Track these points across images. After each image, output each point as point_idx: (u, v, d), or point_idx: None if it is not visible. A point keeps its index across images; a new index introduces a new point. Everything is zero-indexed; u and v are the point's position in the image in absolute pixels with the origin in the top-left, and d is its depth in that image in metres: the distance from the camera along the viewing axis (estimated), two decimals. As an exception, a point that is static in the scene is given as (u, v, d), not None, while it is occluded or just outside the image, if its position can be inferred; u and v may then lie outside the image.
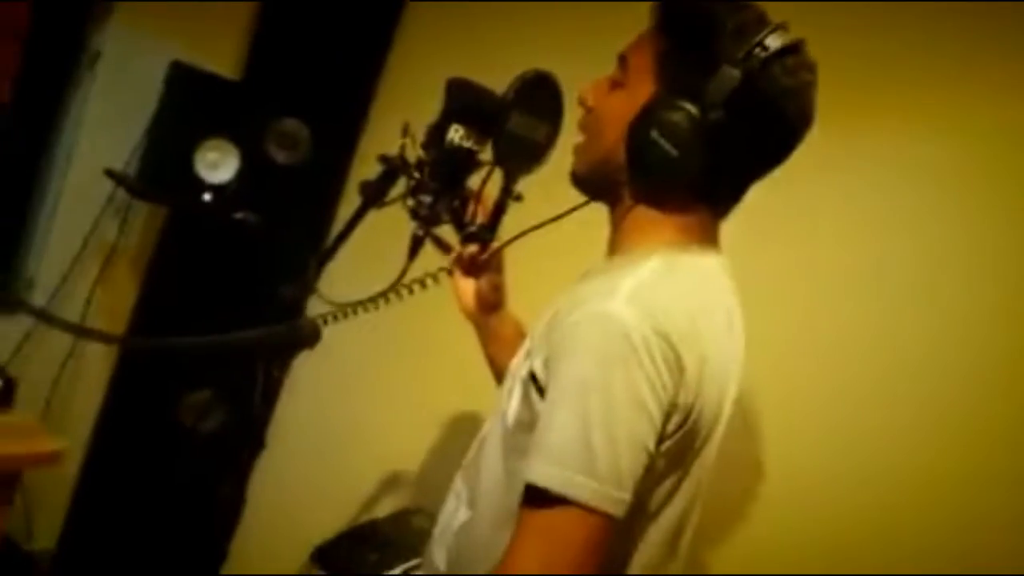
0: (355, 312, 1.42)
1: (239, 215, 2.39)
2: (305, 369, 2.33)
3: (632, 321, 0.97)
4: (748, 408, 1.34)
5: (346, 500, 2.51)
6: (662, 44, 1.12)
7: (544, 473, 0.97)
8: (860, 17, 1.80)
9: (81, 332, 2.41)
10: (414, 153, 1.40)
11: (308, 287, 1.46)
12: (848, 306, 1.80)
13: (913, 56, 1.77)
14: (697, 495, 1.17)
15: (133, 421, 2.55)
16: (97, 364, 2.59)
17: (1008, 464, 1.59)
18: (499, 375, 1.43)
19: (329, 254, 1.47)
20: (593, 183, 1.21)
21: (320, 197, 2.58)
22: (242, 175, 2.37)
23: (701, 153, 1.06)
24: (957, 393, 1.65)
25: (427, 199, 1.39)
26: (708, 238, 1.16)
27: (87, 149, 2.42)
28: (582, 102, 1.21)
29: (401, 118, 1.38)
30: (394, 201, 1.42)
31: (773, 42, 1.06)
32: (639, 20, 1.17)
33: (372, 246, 1.62)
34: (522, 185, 1.42)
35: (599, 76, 1.21)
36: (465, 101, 1.38)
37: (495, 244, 1.45)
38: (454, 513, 1.22)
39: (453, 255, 1.48)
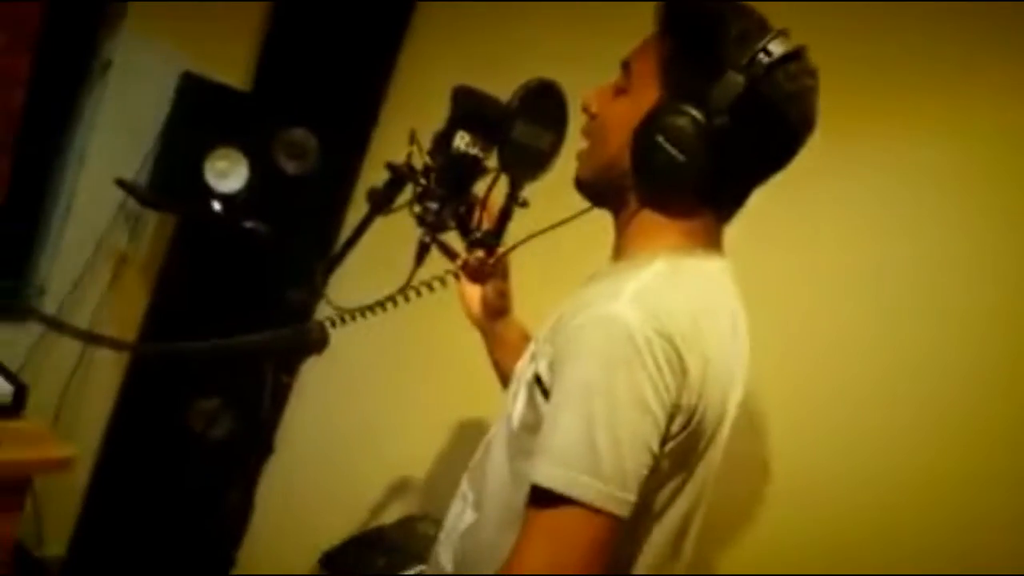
0: (363, 316, 1.43)
1: (248, 223, 2.42)
2: (313, 375, 2.36)
3: (636, 323, 0.98)
4: (749, 409, 1.35)
5: (353, 505, 2.51)
6: (667, 49, 1.14)
7: (549, 474, 0.98)
8: (859, 21, 1.81)
9: (91, 339, 2.43)
10: (421, 160, 1.41)
11: (316, 292, 1.48)
12: (849, 308, 1.81)
13: (912, 60, 1.77)
14: (702, 496, 1.18)
15: (143, 428, 2.56)
16: (107, 371, 2.60)
17: (1008, 464, 1.59)
18: (505, 380, 1.44)
19: (337, 260, 1.49)
20: (597, 189, 1.22)
21: (328, 205, 2.60)
22: (251, 184, 2.40)
23: (706, 158, 1.07)
24: (957, 393, 1.65)
25: (433, 206, 1.40)
26: (712, 242, 1.17)
27: (98, 158, 2.44)
28: (585, 109, 1.22)
29: (408, 126, 1.39)
30: (401, 208, 1.43)
31: (776, 48, 1.07)
32: (644, 26, 1.18)
33: (380, 252, 1.63)
34: (527, 192, 1.43)
35: (602, 82, 1.22)
36: (471, 109, 1.39)
37: (500, 250, 1.46)
38: (460, 515, 1.22)
39: (459, 261, 1.49)
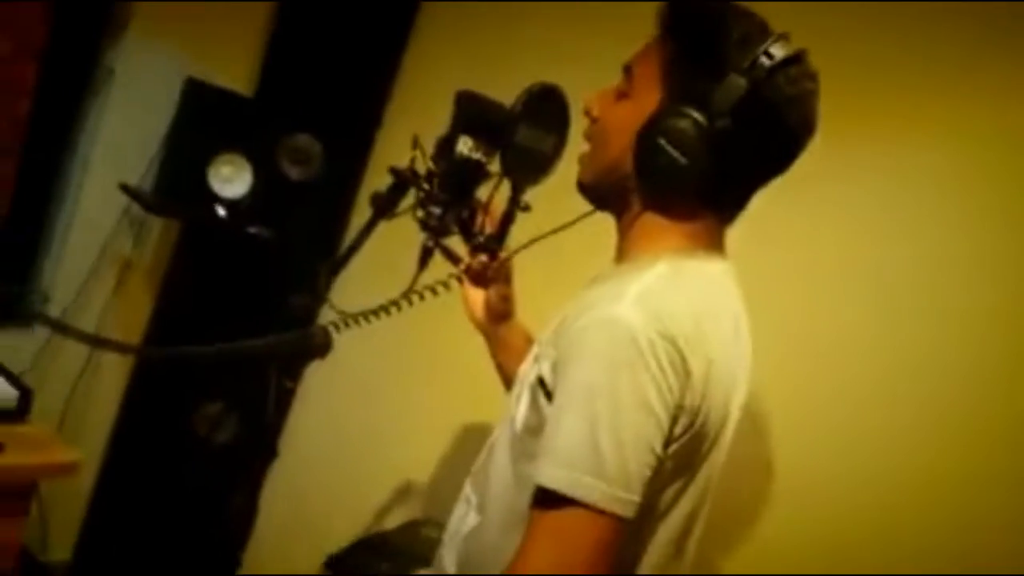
0: (367, 320, 1.44)
1: (252, 229, 2.42)
2: (317, 379, 2.36)
3: (638, 325, 0.99)
4: (749, 410, 1.35)
5: (358, 509, 2.52)
6: (668, 53, 1.14)
7: (553, 475, 0.98)
8: (857, 23, 1.81)
9: (96, 342, 2.44)
10: (424, 165, 1.42)
11: (319, 297, 1.48)
12: (849, 308, 1.81)
13: (912, 61, 1.78)
14: (705, 497, 1.18)
15: (147, 433, 2.57)
16: (112, 376, 2.61)
17: (1008, 464, 1.59)
18: (509, 383, 1.44)
19: (340, 264, 1.49)
20: (599, 191, 1.22)
21: (332, 210, 2.61)
22: (255, 189, 2.40)
23: (708, 160, 1.08)
24: (957, 393, 1.66)
25: (436, 210, 1.41)
26: (714, 244, 1.18)
27: (103, 164, 2.45)
28: (587, 112, 1.23)
29: (412, 130, 1.40)
30: (404, 212, 1.44)
31: (777, 51, 1.08)
32: (649, 27, 1.19)
33: (383, 257, 1.64)
34: (530, 196, 1.44)
35: (607, 83, 1.22)
36: (473, 114, 1.40)
37: (503, 254, 1.47)
38: (463, 518, 1.23)
39: (462, 265, 1.49)
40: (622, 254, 1.20)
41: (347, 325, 1.44)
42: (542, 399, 1.08)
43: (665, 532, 1.12)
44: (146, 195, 2.44)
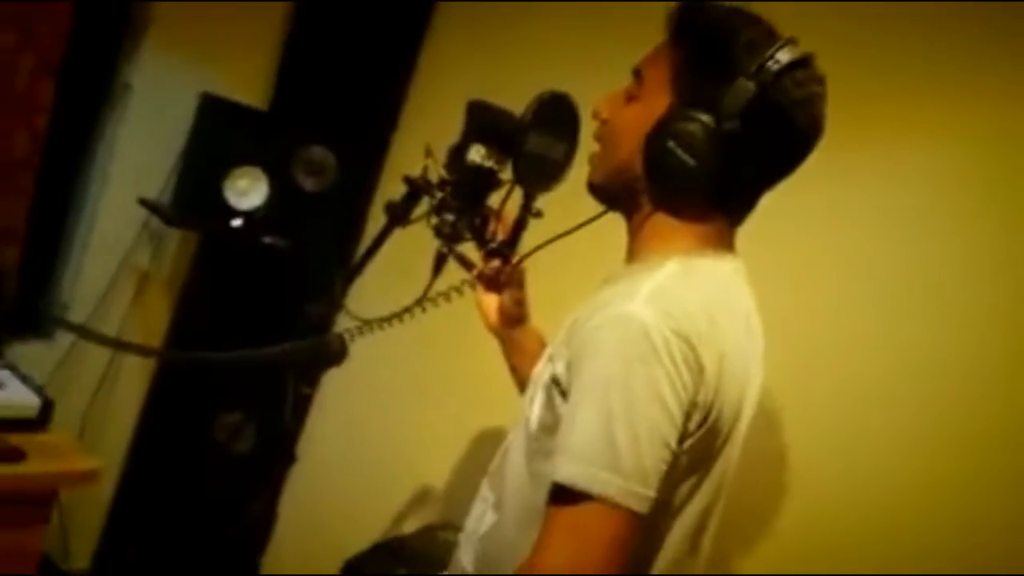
0: (381, 327, 1.46)
1: (268, 239, 2.46)
2: (333, 387, 2.39)
3: (651, 322, 1.00)
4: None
5: (375, 514, 2.53)
6: (678, 56, 1.16)
7: (569, 471, 0.99)
8: (856, 26, 1.82)
9: (118, 345, 2.47)
10: (437, 173, 1.44)
11: (335, 305, 1.51)
12: (848, 309, 1.82)
13: (911, 64, 1.79)
14: (720, 493, 1.19)
15: (167, 442, 2.59)
16: (131, 387, 2.64)
17: (1008, 465, 1.60)
18: (523, 387, 1.44)
19: (355, 272, 1.52)
20: (609, 192, 1.24)
21: (346, 219, 2.63)
22: (271, 201, 2.43)
23: (716, 162, 1.10)
24: (957, 393, 1.66)
25: (450, 217, 1.43)
26: (724, 244, 1.20)
27: (121, 178, 2.48)
28: (596, 115, 1.25)
29: (426, 134, 1.42)
30: (418, 220, 1.47)
31: (785, 55, 1.10)
32: (659, 32, 1.21)
33: (397, 264, 1.66)
34: (541, 202, 1.46)
35: (618, 86, 1.24)
36: (485, 122, 1.43)
37: (516, 259, 1.49)
38: (481, 517, 1.24)
39: (475, 271, 1.51)
40: (633, 255, 1.22)
41: (361, 332, 1.46)
42: (557, 398, 1.10)
43: (680, 528, 1.13)
44: (164, 208, 2.47)
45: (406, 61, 2.68)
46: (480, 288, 1.55)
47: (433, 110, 2.59)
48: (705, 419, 1.06)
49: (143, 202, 2.47)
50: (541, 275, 1.54)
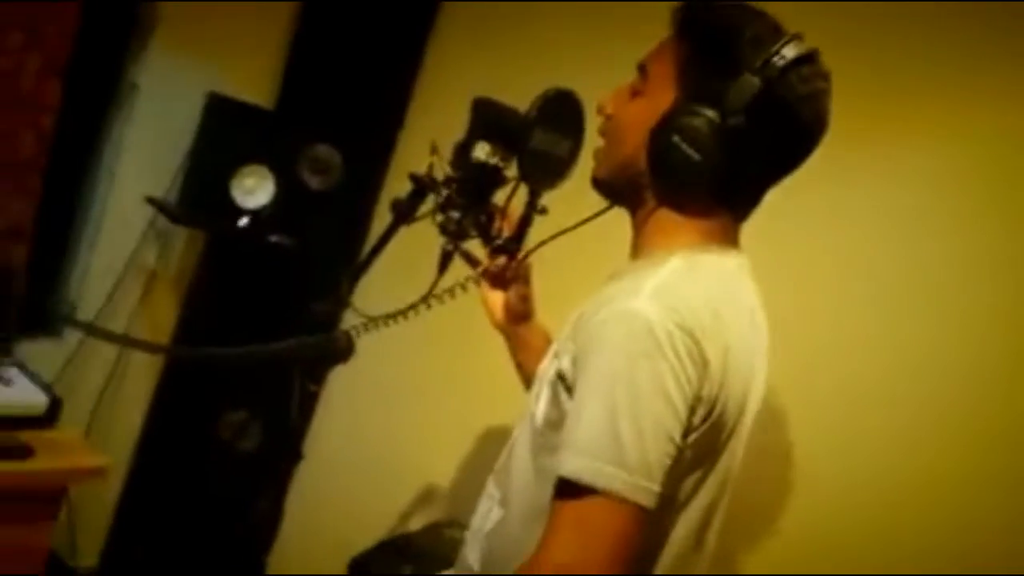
0: (387, 324, 1.46)
1: (275, 238, 2.46)
2: (339, 385, 2.40)
3: (656, 317, 1.01)
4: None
5: (380, 512, 2.54)
6: (683, 52, 1.16)
7: (575, 465, 1.00)
8: (856, 26, 1.82)
9: (126, 342, 2.48)
10: (442, 171, 1.45)
11: (341, 302, 1.51)
12: (848, 309, 1.82)
13: (911, 64, 1.79)
14: (724, 488, 1.19)
15: (173, 441, 2.60)
16: (138, 386, 2.65)
17: (1008, 464, 1.60)
18: (528, 383, 1.46)
19: (361, 269, 1.52)
20: (614, 187, 1.24)
21: (352, 217, 2.64)
22: (277, 199, 2.44)
23: (721, 158, 1.10)
24: (957, 393, 1.66)
25: (455, 214, 1.43)
26: (729, 240, 1.20)
27: (128, 177, 2.49)
28: (601, 110, 1.25)
29: (432, 132, 1.42)
30: (424, 217, 1.47)
31: (790, 51, 1.10)
32: (664, 30, 1.21)
33: (403, 262, 1.66)
34: (546, 199, 1.46)
35: (622, 84, 1.24)
36: (490, 119, 1.43)
37: (521, 256, 1.49)
38: (487, 515, 1.25)
39: (481, 268, 1.51)
40: (637, 250, 1.22)
41: (367, 329, 1.46)
42: (562, 394, 1.10)
43: (685, 524, 1.13)
44: (171, 207, 2.48)
45: (411, 60, 2.69)
46: (486, 285, 1.55)
47: (438, 109, 2.59)
48: (709, 413, 1.06)
49: (150, 201, 2.48)
50: (546, 271, 1.54)
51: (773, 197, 1.21)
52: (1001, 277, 1.65)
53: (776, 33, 1.13)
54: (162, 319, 2.63)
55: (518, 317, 1.54)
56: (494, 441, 2.29)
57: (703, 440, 1.08)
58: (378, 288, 1.66)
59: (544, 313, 1.56)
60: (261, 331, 1.48)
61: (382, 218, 2.57)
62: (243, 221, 2.42)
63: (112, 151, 2.49)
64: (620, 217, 1.27)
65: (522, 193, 1.45)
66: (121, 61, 2.44)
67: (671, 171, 1.13)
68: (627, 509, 0.98)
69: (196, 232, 2.62)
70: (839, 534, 1.75)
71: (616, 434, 0.98)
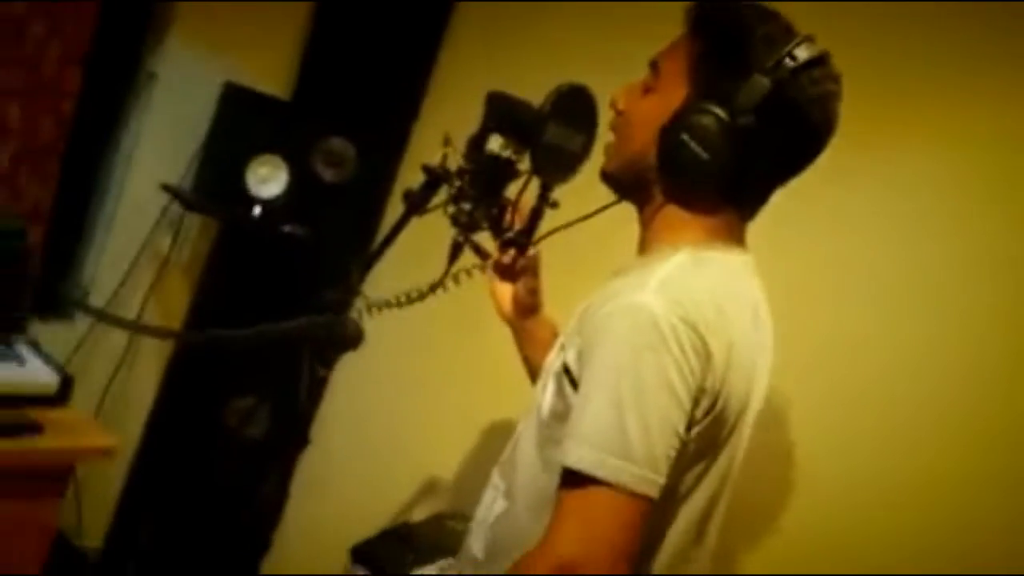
0: (391, 307, 1.47)
1: (287, 228, 2.48)
2: (345, 374, 2.40)
3: (660, 311, 1.02)
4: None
5: (384, 502, 2.55)
6: (695, 50, 1.18)
7: (580, 456, 1.01)
8: (857, 27, 1.82)
9: (135, 328, 2.50)
10: (455, 162, 1.46)
11: (352, 291, 1.52)
12: (848, 310, 1.83)
13: (911, 66, 1.80)
14: (726, 482, 1.20)
15: (182, 425, 2.62)
16: (148, 370, 2.67)
17: (1008, 464, 1.60)
18: (535, 376, 1.46)
19: (373, 259, 1.53)
20: (622, 182, 1.26)
21: (365, 209, 2.66)
22: (290, 190, 2.46)
23: (730, 156, 1.11)
24: (957, 393, 1.67)
25: (467, 206, 1.44)
26: (734, 238, 1.21)
27: (144, 164, 2.52)
28: (613, 105, 1.27)
29: (445, 127, 1.44)
30: (435, 208, 1.48)
31: (801, 53, 1.11)
32: (676, 30, 1.23)
33: (414, 252, 1.68)
34: (557, 193, 1.47)
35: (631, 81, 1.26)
36: (504, 113, 1.44)
37: (531, 250, 1.50)
38: (491, 505, 1.26)
39: (491, 260, 1.53)
40: (644, 245, 1.24)
41: (370, 311, 1.47)
42: (567, 386, 1.11)
43: (686, 516, 1.15)
44: (186, 194, 2.50)
45: (426, 55, 2.70)
46: (495, 277, 1.56)
47: (452, 104, 2.61)
48: (712, 407, 1.08)
49: (165, 187, 2.50)
50: (554, 265, 1.56)
51: (774, 199, 1.22)
52: (1001, 278, 1.66)
53: (788, 34, 1.14)
54: (174, 305, 2.65)
55: (526, 310, 1.55)
56: (499, 433, 2.31)
57: (705, 433, 1.09)
58: (389, 278, 1.67)
59: (551, 306, 1.57)
60: (272, 319, 1.50)
61: (394, 212, 2.57)
62: (256, 210, 2.43)
63: (129, 138, 2.52)
64: (627, 212, 1.28)
65: (534, 187, 1.46)
66: (139, 51, 2.46)
67: (679, 168, 1.15)
68: (631, 500, 0.99)
69: (209, 220, 2.64)
70: (839, 534, 1.75)
71: (621, 426, 1.00)
